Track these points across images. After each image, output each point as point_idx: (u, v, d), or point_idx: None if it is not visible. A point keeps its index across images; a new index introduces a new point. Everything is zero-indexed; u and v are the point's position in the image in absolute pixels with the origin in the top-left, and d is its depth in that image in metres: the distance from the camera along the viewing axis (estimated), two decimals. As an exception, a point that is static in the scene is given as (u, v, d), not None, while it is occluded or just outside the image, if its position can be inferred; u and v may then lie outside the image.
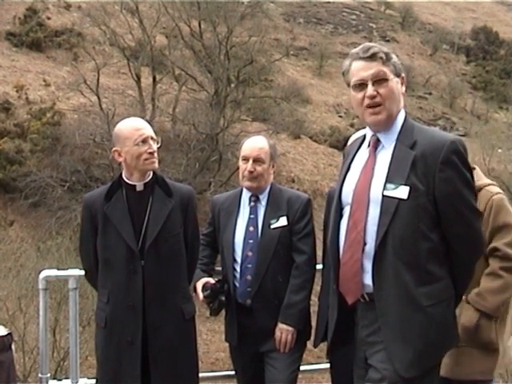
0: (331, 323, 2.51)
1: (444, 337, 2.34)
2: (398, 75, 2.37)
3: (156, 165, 3.00)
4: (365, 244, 2.32)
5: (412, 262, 2.26)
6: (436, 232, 2.30)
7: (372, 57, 2.35)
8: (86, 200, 3.08)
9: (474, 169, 3.23)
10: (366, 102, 2.35)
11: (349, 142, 3.29)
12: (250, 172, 3.18)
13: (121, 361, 2.93)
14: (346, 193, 2.44)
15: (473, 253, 2.39)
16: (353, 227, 2.36)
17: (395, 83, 2.36)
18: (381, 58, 2.34)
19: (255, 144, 3.25)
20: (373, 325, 2.36)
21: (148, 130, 2.99)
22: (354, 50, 2.42)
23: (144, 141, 2.95)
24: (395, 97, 2.36)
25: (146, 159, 2.95)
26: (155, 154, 2.98)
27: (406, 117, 2.42)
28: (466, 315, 2.99)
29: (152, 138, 2.98)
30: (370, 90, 2.33)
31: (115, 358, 2.95)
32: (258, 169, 3.19)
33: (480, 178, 3.11)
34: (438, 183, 2.26)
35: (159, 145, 3.03)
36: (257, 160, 3.20)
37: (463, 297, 2.98)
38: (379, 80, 2.33)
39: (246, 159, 3.22)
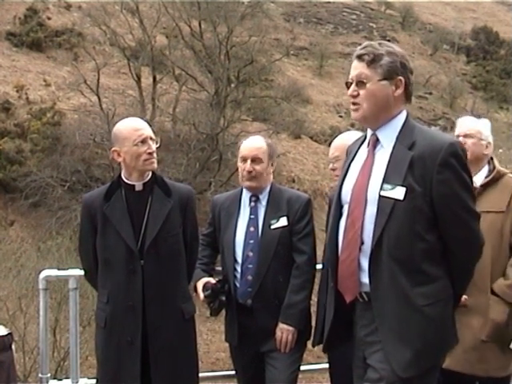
0: (327, 320, 2.51)
1: (442, 337, 2.34)
2: (389, 78, 2.35)
3: (155, 165, 3.00)
4: (362, 243, 2.33)
5: (407, 263, 2.27)
6: (432, 233, 2.30)
7: (359, 57, 2.38)
8: (86, 200, 3.08)
9: (492, 159, 3.22)
10: (350, 99, 2.42)
11: (333, 144, 3.31)
12: (249, 172, 3.19)
13: (121, 361, 2.93)
14: (345, 192, 2.46)
15: (471, 254, 2.39)
16: (351, 226, 2.37)
17: (379, 86, 2.35)
18: (365, 59, 2.36)
19: (253, 144, 3.26)
20: (371, 325, 2.36)
21: (147, 130, 2.99)
22: (358, 48, 2.46)
23: (143, 141, 2.95)
24: (376, 100, 2.36)
25: (145, 159, 2.95)
26: (154, 154, 2.98)
27: (407, 117, 2.42)
28: (496, 310, 2.96)
29: (151, 138, 2.98)
30: (351, 89, 2.40)
31: (115, 357, 2.95)
32: (257, 168, 3.19)
33: (498, 166, 3.18)
34: (436, 185, 2.27)
35: (158, 145, 3.03)
36: (255, 159, 3.20)
37: (490, 289, 2.98)
38: (360, 81, 2.37)
39: (244, 159, 3.23)
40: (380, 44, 2.40)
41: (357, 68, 2.38)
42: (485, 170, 3.23)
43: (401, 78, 2.37)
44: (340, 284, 2.42)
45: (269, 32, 26.57)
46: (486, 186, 3.14)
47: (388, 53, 2.36)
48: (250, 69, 24.26)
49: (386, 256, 2.27)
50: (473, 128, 3.24)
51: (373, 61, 2.35)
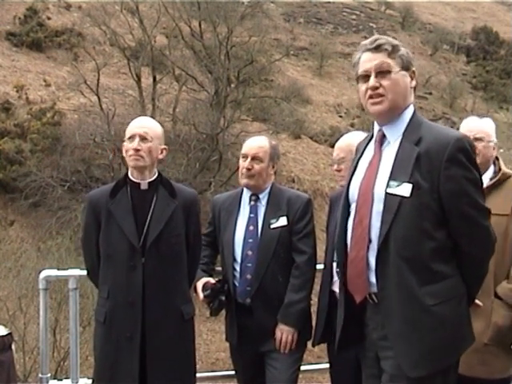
0: (339, 321, 2.45)
1: (456, 335, 2.28)
2: (406, 68, 2.33)
3: (139, 163, 3.00)
4: (370, 241, 2.29)
5: (415, 262, 2.22)
6: (441, 231, 2.25)
7: (377, 48, 2.32)
8: (91, 197, 3.11)
9: (498, 159, 3.13)
10: (369, 93, 2.33)
11: (337, 145, 3.30)
12: (248, 169, 3.20)
13: (119, 357, 2.94)
14: (352, 190, 2.42)
15: (483, 252, 2.33)
16: (358, 224, 2.33)
17: (401, 76, 2.32)
18: (386, 49, 2.31)
19: (255, 142, 3.26)
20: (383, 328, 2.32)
21: (142, 129, 3.02)
22: (363, 42, 2.40)
23: (131, 137, 3.01)
24: (400, 90, 2.32)
25: (130, 155, 3.00)
26: (141, 153, 2.98)
27: (414, 112, 2.37)
28: (499, 314, 2.91)
29: (144, 138, 2.99)
30: (372, 81, 2.31)
31: (113, 353, 2.95)
32: (256, 167, 3.19)
33: (504, 167, 3.09)
34: (443, 181, 2.21)
35: (150, 145, 3.01)
36: (255, 158, 3.20)
37: (494, 292, 2.92)
38: (382, 72, 2.30)
39: (245, 157, 3.24)
40: (387, 37, 2.38)
41: (375, 59, 2.31)
42: (490, 171, 3.13)
43: (414, 69, 2.36)
44: (349, 284, 2.37)
45: (269, 32, 26.54)
46: (490, 188, 3.03)
47: (400, 44, 2.36)
48: (250, 69, 24.23)
49: (394, 255, 2.22)
50: (481, 130, 3.14)
51: (393, 51, 2.31)
